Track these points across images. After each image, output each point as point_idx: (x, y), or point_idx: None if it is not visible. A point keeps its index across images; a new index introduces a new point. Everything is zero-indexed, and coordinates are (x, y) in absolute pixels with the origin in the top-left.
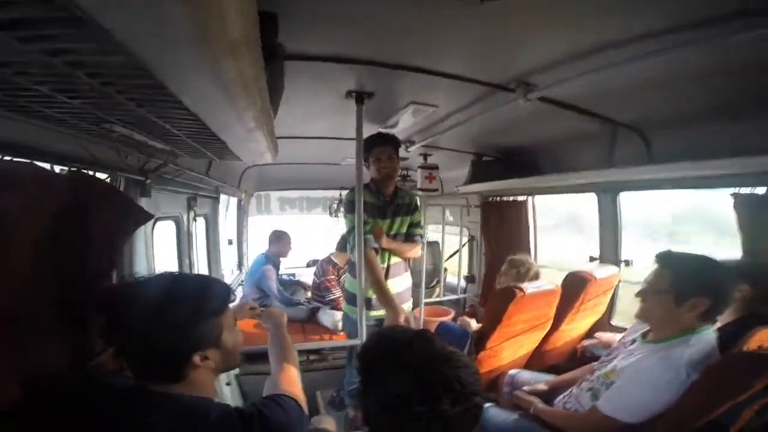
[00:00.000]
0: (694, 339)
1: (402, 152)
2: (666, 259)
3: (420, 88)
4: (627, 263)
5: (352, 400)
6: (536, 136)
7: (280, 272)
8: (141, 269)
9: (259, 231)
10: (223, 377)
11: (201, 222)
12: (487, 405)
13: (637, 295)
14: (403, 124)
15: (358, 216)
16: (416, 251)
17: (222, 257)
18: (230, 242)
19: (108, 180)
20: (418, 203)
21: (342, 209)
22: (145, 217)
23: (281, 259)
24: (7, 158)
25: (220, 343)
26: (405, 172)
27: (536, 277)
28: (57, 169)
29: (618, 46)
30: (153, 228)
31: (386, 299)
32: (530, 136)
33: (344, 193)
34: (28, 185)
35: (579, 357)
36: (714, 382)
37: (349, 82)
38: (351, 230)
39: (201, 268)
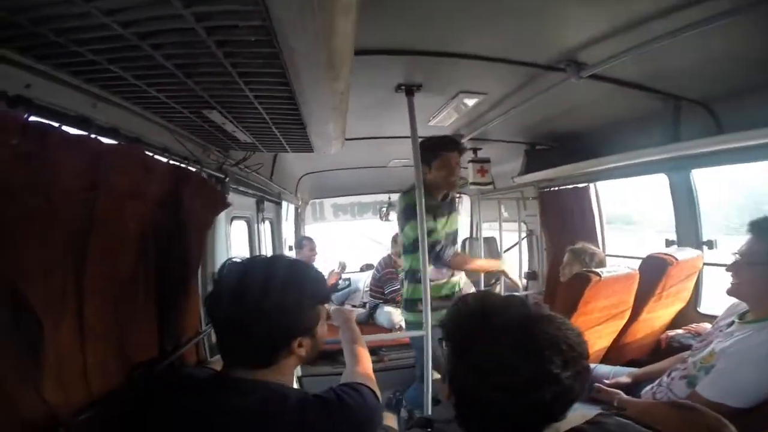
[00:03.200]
0: None
1: None
2: (761, 226)
3: (468, 76)
4: (710, 245)
5: (410, 405)
6: (592, 119)
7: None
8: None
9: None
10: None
11: (267, 226)
12: None
13: (729, 269)
14: (451, 117)
15: (421, 220)
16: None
17: None
18: (291, 248)
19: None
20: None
21: (394, 212)
22: (224, 204)
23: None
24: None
25: (315, 331)
26: None
27: (602, 264)
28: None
29: (671, 13)
30: (230, 225)
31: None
32: (585, 120)
33: (393, 196)
34: (138, 168)
35: (664, 348)
36: None
37: (397, 74)
38: (414, 239)
39: None
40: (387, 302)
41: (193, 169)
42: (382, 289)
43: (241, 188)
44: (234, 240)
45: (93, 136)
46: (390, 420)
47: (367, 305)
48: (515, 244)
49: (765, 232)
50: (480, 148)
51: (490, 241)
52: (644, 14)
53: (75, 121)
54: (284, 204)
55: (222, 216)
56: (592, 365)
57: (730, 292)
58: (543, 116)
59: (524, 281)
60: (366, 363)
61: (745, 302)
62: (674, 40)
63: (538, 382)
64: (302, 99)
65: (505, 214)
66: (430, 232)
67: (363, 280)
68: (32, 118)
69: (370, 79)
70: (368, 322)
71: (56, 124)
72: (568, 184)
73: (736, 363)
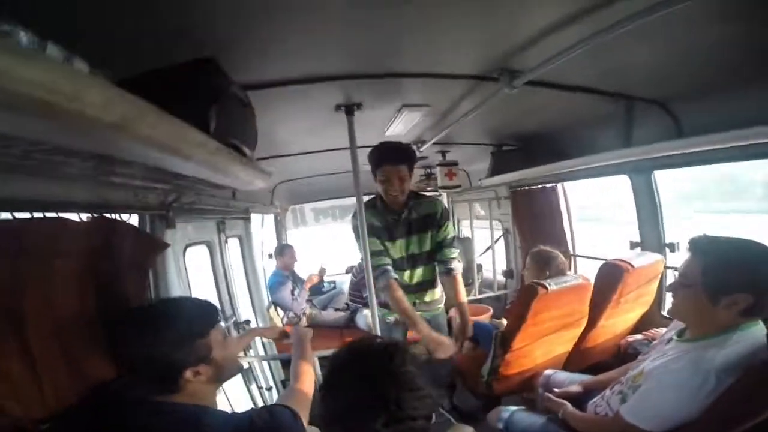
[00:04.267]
0: (736, 337)
1: (417, 152)
2: (698, 246)
3: (408, 91)
4: (672, 248)
5: None
6: (550, 122)
7: (324, 280)
8: (176, 294)
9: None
10: (263, 383)
11: (236, 243)
12: (514, 408)
13: (668, 289)
14: (405, 126)
15: (363, 241)
16: (462, 288)
17: (265, 271)
18: (270, 256)
19: (136, 219)
20: (446, 211)
21: None
22: (162, 246)
23: (292, 270)
24: (39, 215)
25: (210, 359)
26: (429, 170)
27: (562, 267)
28: (84, 217)
29: (607, 6)
30: (184, 255)
31: (417, 327)
32: (545, 123)
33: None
34: (61, 234)
35: (622, 354)
36: (752, 386)
37: (334, 96)
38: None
39: (239, 285)
40: (366, 305)
41: (124, 219)
42: (360, 293)
43: (197, 216)
44: (196, 265)
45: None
46: None
47: (350, 308)
48: (488, 248)
49: (700, 251)
50: (448, 151)
51: (465, 242)
52: (577, 11)
53: None
54: (258, 216)
55: (170, 249)
56: (550, 371)
57: (670, 313)
58: (500, 121)
59: (502, 279)
60: (305, 382)
61: (683, 322)
62: (617, 36)
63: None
64: (175, 168)
65: (482, 213)
66: (379, 253)
67: (347, 283)
68: None
69: (310, 102)
70: (349, 326)
71: None
72: (537, 184)
73: (654, 387)
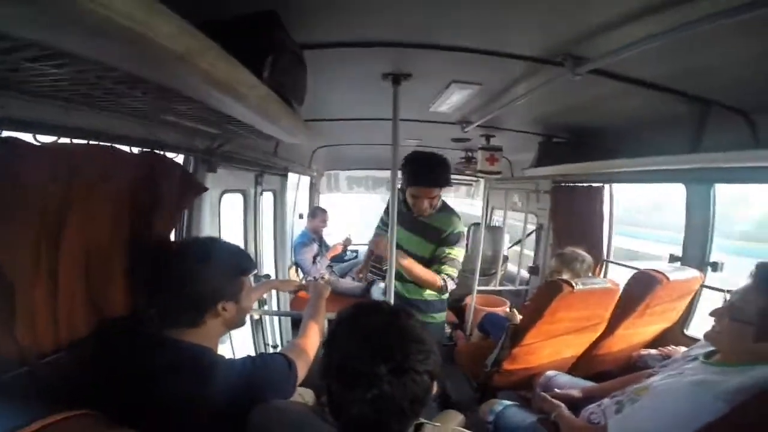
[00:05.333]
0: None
1: (461, 133)
2: (764, 276)
3: (460, 66)
4: (715, 267)
5: None
6: (608, 116)
7: (348, 249)
8: (207, 233)
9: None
10: (270, 340)
11: (270, 197)
12: (508, 403)
13: (712, 313)
14: (452, 103)
15: (392, 222)
16: (433, 282)
17: (295, 229)
18: (301, 216)
19: (181, 159)
20: (456, 235)
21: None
22: (201, 189)
23: (320, 234)
24: (94, 142)
25: (239, 299)
26: (470, 154)
27: (589, 272)
28: (136, 150)
29: (685, 5)
30: (220, 199)
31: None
32: (601, 117)
33: None
34: (110, 161)
35: (632, 366)
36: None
37: (383, 64)
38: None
39: (266, 239)
40: (383, 278)
41: (171, 156)
42: (379, 265)
43: (237, 165)
44: (231, 209)
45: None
46: (307, 394)
47: (368, 279)
48: (518, 241)
49: (764, 284)
50: (493, 135)
51: (495, 230)
52: (655, 4)
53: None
54: (295, 176)
55: (208, 192)
56: (552, 373)
57: (706, 337)
58: (554, 110)
59: (525, 274)
60: (309, 337)
61: (715, 348)
62: (701, 34)
63: (365, 379)
64: (226, 110)
65: (518, 204)
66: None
67: None
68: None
69: (358, 68)
70: (364, 296)
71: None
72: (583, 182)
73: (652, 405)
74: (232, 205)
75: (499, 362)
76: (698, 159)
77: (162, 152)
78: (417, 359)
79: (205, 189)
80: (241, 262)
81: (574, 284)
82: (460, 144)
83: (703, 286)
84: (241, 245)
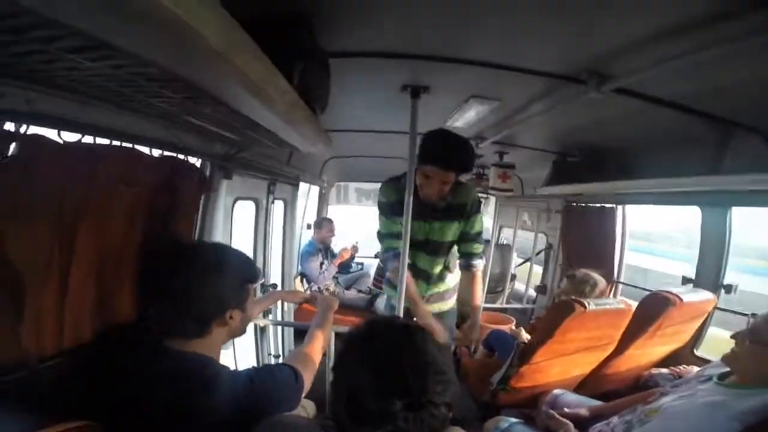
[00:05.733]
0: None
1: (474, 149)
2: None
3: (480, 81)
4: (728, 290)
5: None
6: (626, 135)
7: (354, 258)
8: (220, 240)
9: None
10: (273, 350)
11: (281, 205)
12: (513, 420)
13: (733, 336)
14: (468, 118)
15: (405, 223)
16: (478, 286)
17: (301, 238)
18: (309, 226)
19: (199, 163)
20: (477, 202)
21: None
22: (208, 188)
23: (328, 243)
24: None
25: (245, 307)
26: (480, 170)
27: (602, 296)
28: (156, 153)
29: (718, 22)
30: (233, 206)
31: (417, 309)
32: (618, 136)
33: None
34: (132, 163)
35: (641, 386)
36: None
37: (403, 76)
38: (380, 234)
39: (275, 247)
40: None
41: (190, 159)
42: (383, 278)
43: (251, 173)
44: (244, 217)
45: (83, 138)
46: (309, 407)
47: (372, 292)
48: (527, 260)
49: None
50: (507, 152)
51: (504, 249)
52: (683, 23)
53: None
54: (306, 186)
55: (223, 197)
56: (559, 391)
57: (725, 359)
58: (572, 127)
59: (533, 293)
60: (315, 348)
61: (731, 369)
62: (726, 54)
63: (378, 416)
64: (254, 117)
65: (528, 223)
66: (394, 235)
67: (375, 267)
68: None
69: (377, 79)
70: (369, 309)
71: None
72: (596, 203)
73: (666, 425)
74: (242, 214)
75: (506, 380)
76: (716, 181)
77: (182, 156)
78: (435, 391)
79: (214, 190)
80: (247, 269)
81: (586, 304)
82: None
83: (716, 308)
84: (250, 253)
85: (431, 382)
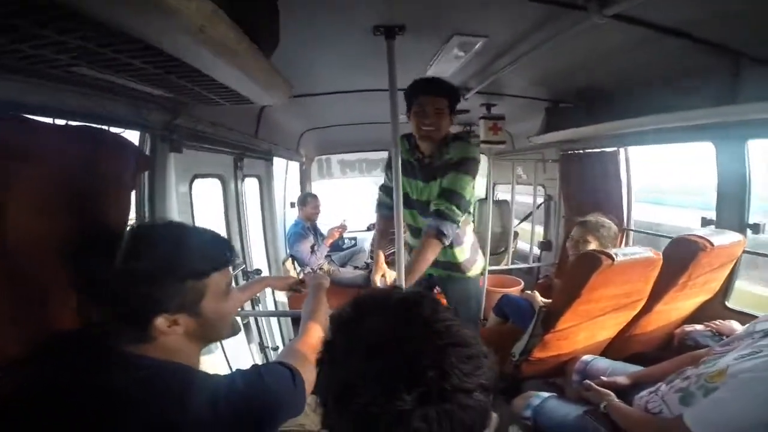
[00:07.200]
0: None
1: (460, 103)
2: None
3: (463, 14)
4: (756, 229)
5: None
6: (625, 73)
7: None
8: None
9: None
10: (270, 342)
11: (255, 183)
12: (546, 395)
13: None
14: (452, 64)
15: (396, 182)
16: (434, 248)
17: (285, 218)
18: (292, 205)
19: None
20: (467, 159)
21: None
22: (144, 163)
23: (314, 222)
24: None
25: (198, 309)
26: (469, 128)
27: (615, 242)
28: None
29: None
30: (191, 185)
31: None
32: (616, 75)
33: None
34: (29, 136)
35: (676, 346)
36: None
37: (374, 14)
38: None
39: (254, 230)
40: (389, 264)
41: (114, 130)
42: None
43: (209, 146)
44: (208, 197)
45: None
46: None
47: (369, 267)
48: (528, 215)
49: None
50: (495, 104)
51: (502, 204)
52: None
53: None
54: (281, 161)
55: (173, 175)
56: (589, 357)
57: None
58: (565, 67)
59: (537, 251)
60: (312, 338)
61: None
62: None
63: (385, 418)
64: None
65: (524, 177)
66: (388, 190)
67: (369, 240)
68: None
69: (344, 20)
70: (368, 285)
71: None
72: (595, 148)
73: (739, 394)
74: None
75: (529, 350)
76: (731, 111)
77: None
78: (463, 372)
79: (150, 163)
80: (192, 258)
81: (614, 255)
82: (458, 117)
83: (744, 251)
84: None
85: (452, 361)
